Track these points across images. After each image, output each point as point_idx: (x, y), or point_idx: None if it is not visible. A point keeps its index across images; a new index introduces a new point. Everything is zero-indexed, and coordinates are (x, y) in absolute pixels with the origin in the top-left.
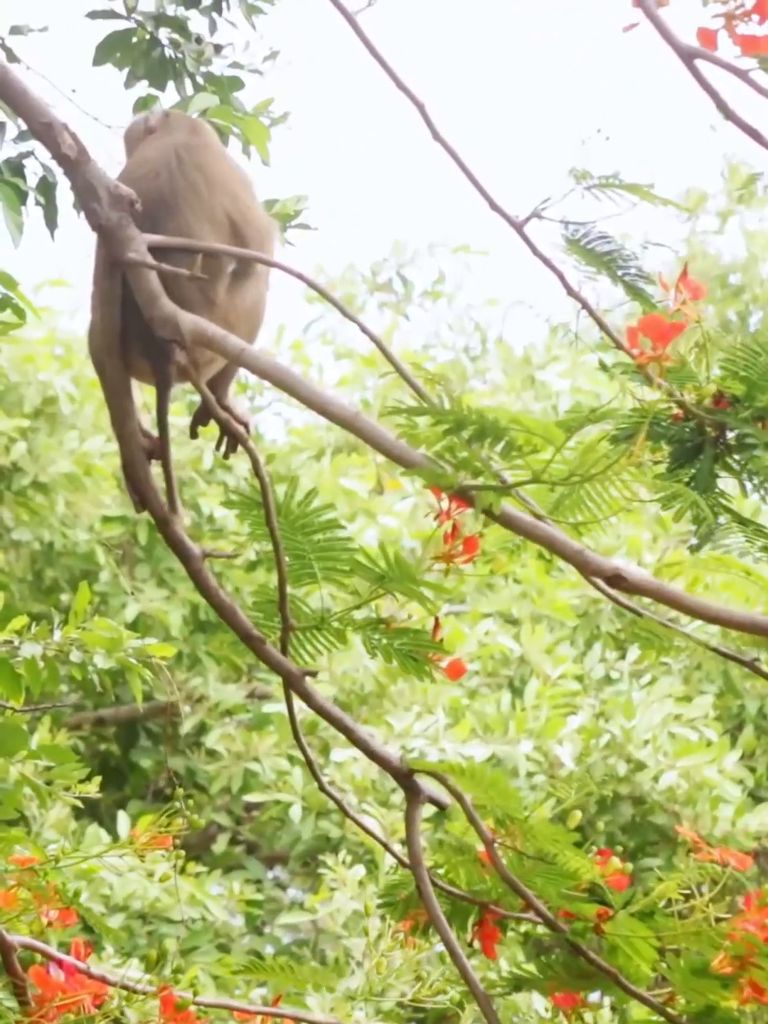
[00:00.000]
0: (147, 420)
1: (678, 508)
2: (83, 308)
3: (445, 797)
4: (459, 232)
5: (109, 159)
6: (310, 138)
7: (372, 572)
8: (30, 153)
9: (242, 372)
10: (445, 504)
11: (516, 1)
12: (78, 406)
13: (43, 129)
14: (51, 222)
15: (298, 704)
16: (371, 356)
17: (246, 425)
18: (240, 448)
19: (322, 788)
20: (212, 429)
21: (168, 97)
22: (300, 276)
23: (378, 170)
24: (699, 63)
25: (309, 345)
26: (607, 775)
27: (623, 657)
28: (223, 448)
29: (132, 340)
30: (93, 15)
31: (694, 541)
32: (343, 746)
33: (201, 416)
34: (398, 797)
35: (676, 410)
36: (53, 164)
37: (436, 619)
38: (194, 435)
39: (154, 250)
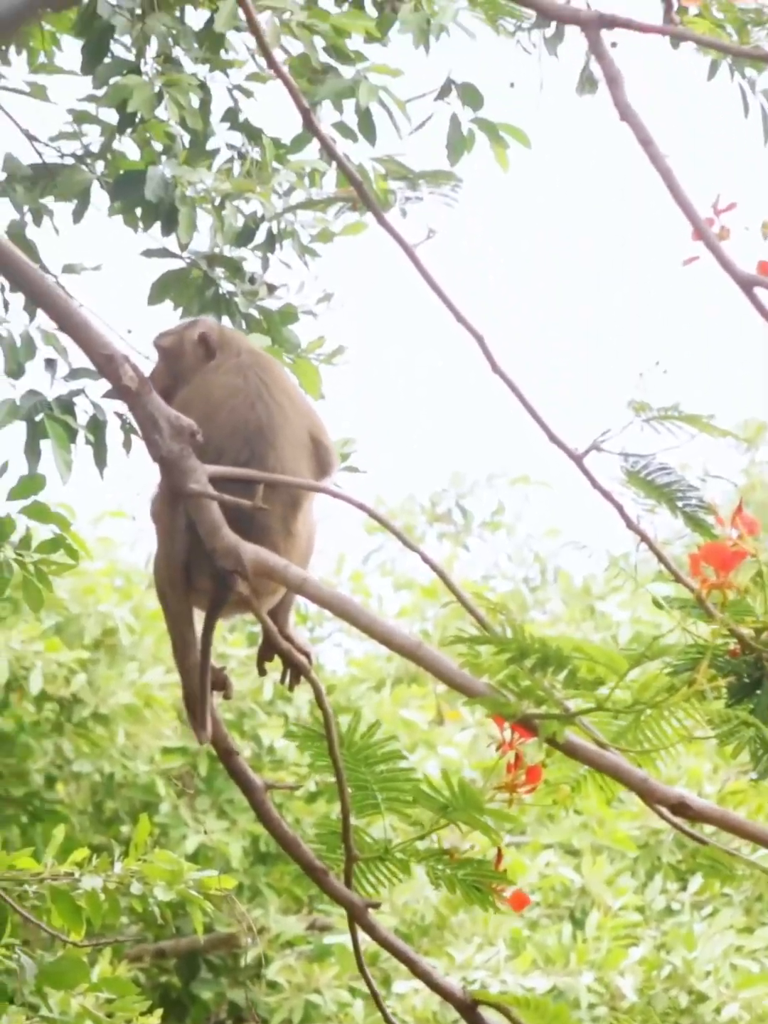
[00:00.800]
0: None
1: (736, 744)
2: (142, 539)
3: None
4: (518, 463)
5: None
6: (366, 368)
7: (435, 802)
8: (80, 391)
9: (300, 602)
10: (507, 734)
11: (575, 234)
12: (138, 637)
13: (104, 361)
14: (100, 460)
15: (360, 935)
16: (431, 587)
17: (308, 655)
18: (302, 678)
19: (387, 1018)
20: (275, 662)
21: None
22: (361, 506)
23: (436, 400)
24: (758, 291)
25: (369, 576)
26: (669, 1007)
27: (684, 888)
28: (287, 679)
29: (196, 570)
30: (148, 254)
31: (754, 775)
32: (405, 977)
33: (265, 651)
34: None
35: (734, 645)
36: (103, 403)
37: (499, 849)
38: (262, 672)
39: (216, 480)
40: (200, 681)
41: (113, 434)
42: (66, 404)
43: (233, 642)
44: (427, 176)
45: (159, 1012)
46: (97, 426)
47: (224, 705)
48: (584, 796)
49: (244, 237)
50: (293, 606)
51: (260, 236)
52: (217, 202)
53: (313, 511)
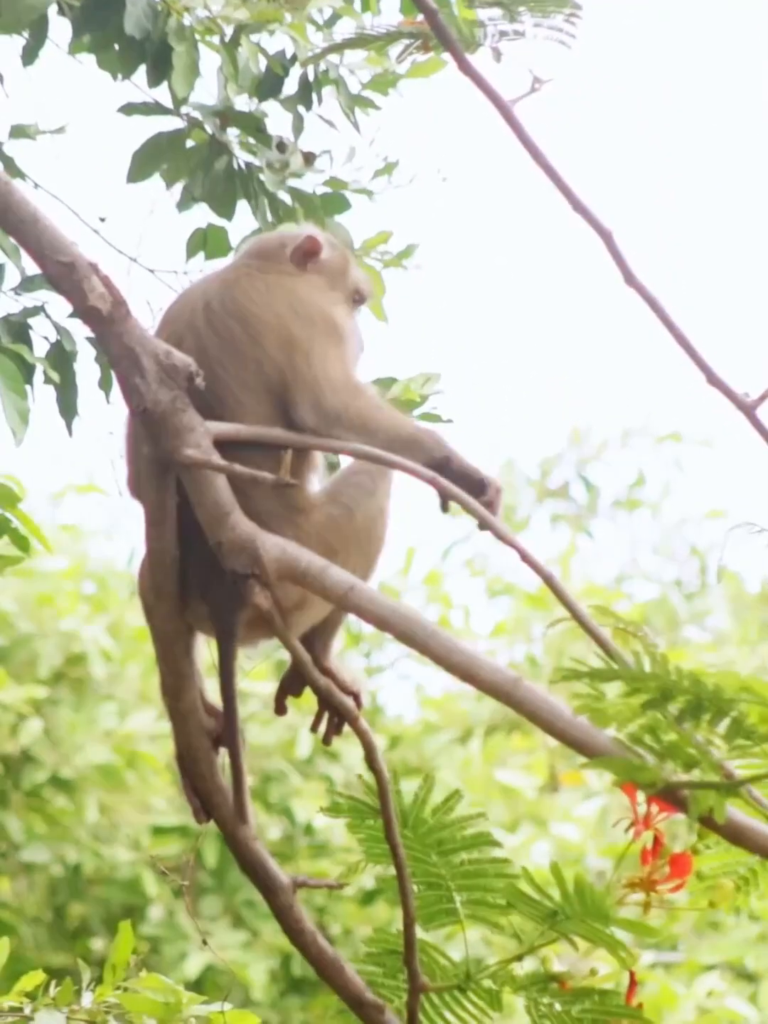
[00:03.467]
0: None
1: None
2: (123, 526)
3: None
4: (666, 416)
5: (152, 313)
6: (448, 275)
7: (541, 907)
8: (39, 309)
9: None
10: (643, 808)
11: (729, 91)
12: (117, 667)
13: (63, 272)
14: (68, 408)
15: None
16: (539, 592)
17: (356, 696)
18: (348, 729)
19: None
20: (310, 700)
21: (239, 226)
22: (431, 481)
23: (547, 324)
24: None
25: (450, 576)
26: None
27: None
28: (322, 728)
29: (192, 573)
30: (129, 110)
31: None
32: None
33: (292, 683)
34: None
35: None
36: (74, 325)
37: (632, 974)
38: (281, 711)
39: (221, 446)
40: (230, 742)
41: (86, 369)
42: (18, 328)
43: (253, 673)
44: (531, 1)
45: None
46: (63, 359)
47: None
48: (762, 894)
49: (268, 87)
50: (339, 626)
51: (291, 85)
52: (228, 36)
53: (363, 487)
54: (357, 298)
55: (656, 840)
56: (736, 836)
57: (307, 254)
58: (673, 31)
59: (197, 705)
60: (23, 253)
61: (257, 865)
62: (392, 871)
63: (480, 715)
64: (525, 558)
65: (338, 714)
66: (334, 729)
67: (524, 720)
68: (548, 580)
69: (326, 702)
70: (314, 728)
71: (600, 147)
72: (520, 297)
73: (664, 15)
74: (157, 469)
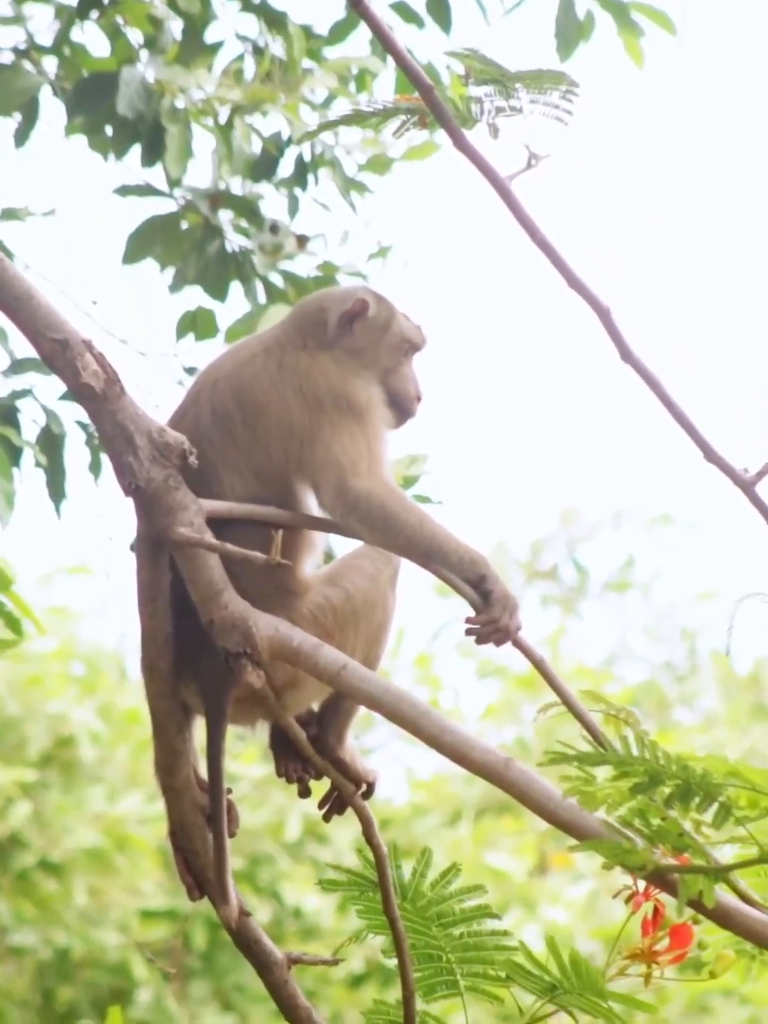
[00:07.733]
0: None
1: None
2: (113, 608)
3: None
4: (657, 497)
5: (145, 394)
6: (439, 356)
7: (539, 981)
8: (26, 392)
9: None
10: (642, 883)
11: (738, 166)
12: (106, 749)
13: (56, 349)
14: (56, 491)
15: None
16: (530, 675)
17: (370, 786)
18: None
19: None
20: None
21: (232, 308)
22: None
23: (539, 403)
24: None
25: (440, 658)
26: None
27: None
28: (327, 807)
29: (184, 651)
30: (124, 192)
31: None
32: None
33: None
34: None
35: None
36: (63, 408)
37: None
38: (303, 792)
39: (215, 523)
40: (214, 820)
41: (74, 452)
42: (6, 411)
43: (243, 756)
44: (527, 78)
45: None
46: (51, 442)
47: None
48: (753, 977)
49: (263, 168)
50: (354, 717)
51: (285, 166)
52: (222, 118)
53: (362, 566)
54: (407, 347)
55: (656, 911)
56: (725, 920)
57: (353, 316)
58: (672, 104)
59: (191, 782)
60: (10, 338)
61: (252, 941)
62: (381, 955)
63: (470, 797)
64: (515, 642)
65: (340, 793)
66: (335, 807)
67: (514, 803)
68: (538, 664)
69: (313, 774)
70: (321, 806)
71: (597, 222)
72: (511, 376)
73: (663, 90)
74: (150, 547)
